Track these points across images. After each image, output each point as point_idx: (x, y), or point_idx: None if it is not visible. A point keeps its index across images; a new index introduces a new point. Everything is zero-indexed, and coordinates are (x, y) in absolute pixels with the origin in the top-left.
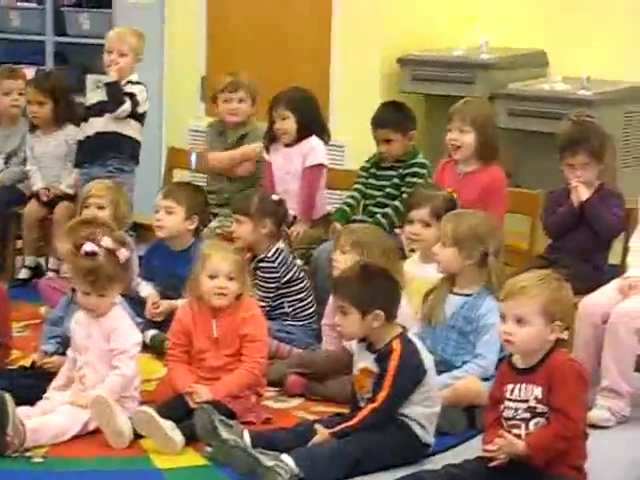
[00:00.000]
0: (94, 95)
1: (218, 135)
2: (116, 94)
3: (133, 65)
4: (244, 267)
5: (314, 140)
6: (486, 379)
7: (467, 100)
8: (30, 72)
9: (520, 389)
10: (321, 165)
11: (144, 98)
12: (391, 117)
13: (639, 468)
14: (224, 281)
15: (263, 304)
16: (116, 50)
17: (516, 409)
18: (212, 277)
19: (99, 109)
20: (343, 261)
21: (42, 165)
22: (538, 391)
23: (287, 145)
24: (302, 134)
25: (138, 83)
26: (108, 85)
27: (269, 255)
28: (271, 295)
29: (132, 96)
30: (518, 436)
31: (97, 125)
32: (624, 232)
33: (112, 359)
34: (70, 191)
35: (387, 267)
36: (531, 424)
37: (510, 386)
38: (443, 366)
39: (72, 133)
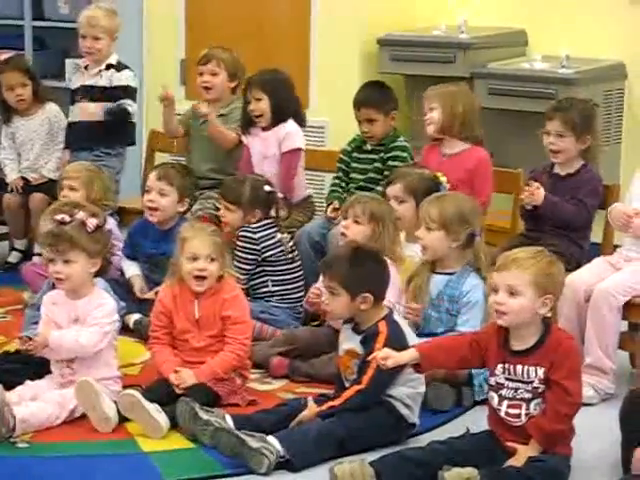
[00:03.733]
0: (77, 78)
1: (194, 114)
2: (120, 112)
3: (110, 46)
4: (223, 248)
5: (290, 124)
6: None
7: (434, 86)
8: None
9: (523, 370)
10: (298, 149)
11: (137, 83)
12: (373, 97)
13: None
14: (204, 263)
15: (240, 277)
16: (89, 36)
17: (516, 389)
18: (192, 259)
19: (89, 95)
20: (356, 232)
21: (24, 149)
22: (541, 372)
23: (264, 129)
24: (278, 117)
25: (124, 67)
26: (109, 113)
27: (252, 226)
28: (248, 267)
29: (126, 89)
30: (517, 416)
31: (90, 111)
32: (605, 211)
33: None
34: (52, 175)
35: (394, 240)
36: (532, 404)
37: (506, 365)
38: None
39: (54, 111)
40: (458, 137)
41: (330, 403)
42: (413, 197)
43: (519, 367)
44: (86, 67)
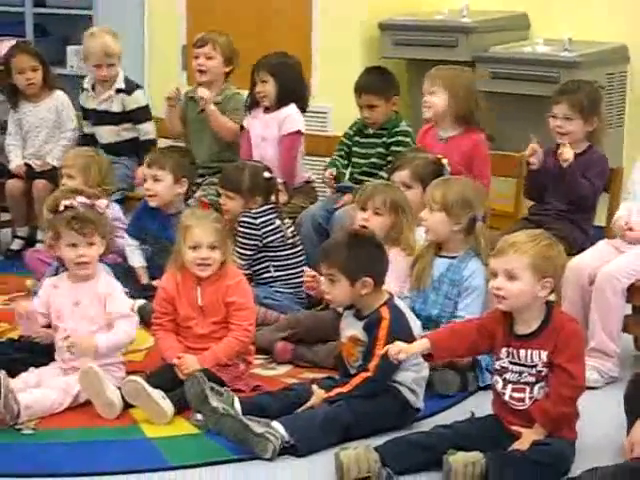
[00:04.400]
0: (86, 99)
1: (189, 100)
2: (149, 145)
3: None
4: (225, 234)
5: (291, 107)
6: None
7: (440, 66)
8: (9, 44)
9: (527, 354)
10: (298, 132)
11: (147, 99)
12: (374, 83)
13: None
14: (207, 251)
15: (241, 262)
16: (105, 64)
17: (520, 373)
18: (195, 248)
19: (104, 120)
20: (377, 224)
21: (30, 135)
22: (545, 355)
23: (266, 110)
24: (282, 100)
25: (133, 88)
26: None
27: (252, 212)
28: (249, 253)
29: (142, 110)
30: (521, 400)
31: (108, 134)
32: (608, 194)
33: (110, 322)
34: (57, 163)
35: (411, 228)
36: (536, 388)
37: (510, 349)
38: (433, 325)
39: (62, 99)
40: (455, 122)
41: (338, 390)
42: (420, 183)
43: (522, 351)
44: (93, 87)
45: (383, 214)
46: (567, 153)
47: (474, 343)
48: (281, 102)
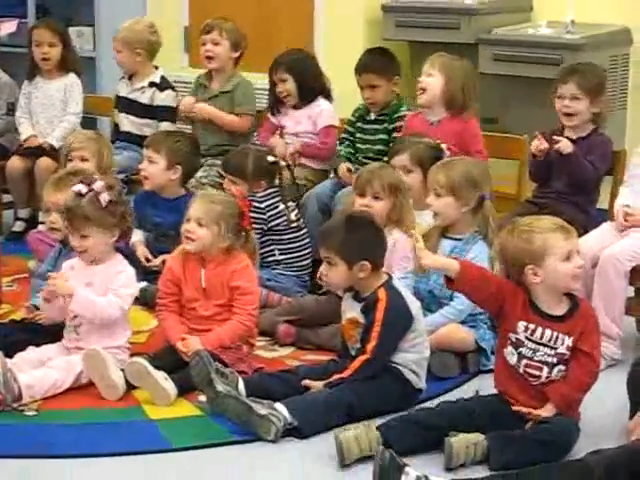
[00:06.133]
0: (121, 87)
1: (199, 87)
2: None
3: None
4: (222, 218)
5: (323, 102)
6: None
7: (442, 53)
8: (12, 25)
9: (552, 335)
10: (332, 126)
11: (176, 102)
12: (375, 62)
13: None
14: (193, 225)
15: None
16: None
17: (535, 350)
18: (187, 220)
19: (130, 109)
20: (378, 208)
21: (36, 112)
22: (570, 340)
23: (295, 107)
24: (304, 96)
25: (166, 87)
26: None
27: (258, 196)
28: (256, 236)
29: (167, 110)
30: (537, 377)
31: (130, 124)
32: (612, 177)
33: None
34: (56, 144)
35: (409, 208)
36: (555, 369)
37: (530, 325)
38: (437, 306)
39: (72, 81)
40: (446, 107)
41: (338, 376)
42: (419, 166)
43: (548, 331)
44: (130, 77)
45: (383, 198)
46: (565, 146)
47: (491, 295)
48: (305, 97)
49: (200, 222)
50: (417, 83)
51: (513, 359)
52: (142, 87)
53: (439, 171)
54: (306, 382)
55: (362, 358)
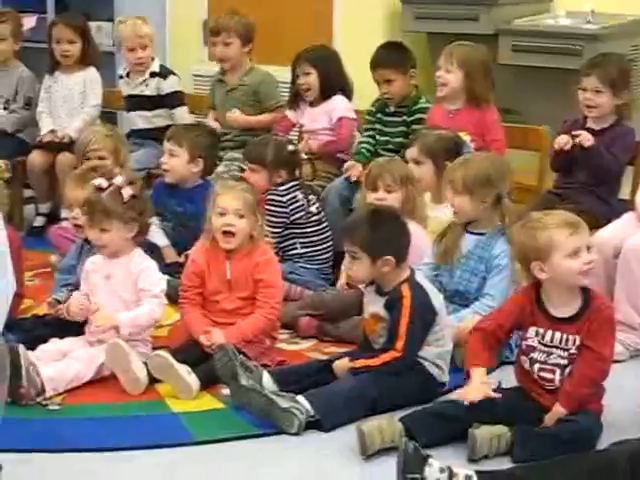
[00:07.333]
0: (122, 86)
1: (217, 82)
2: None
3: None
4: (255, 206)
5: (338, 97)
6: None
7: (459, 42)
8: (31, 20)
9: (562, 338)
10: (345, 118)
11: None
12: (388, 57)
13: None
14: (233, 218)
15: (272, 240)
16: (138, 46)
17: (549, 354)
18: (222, 214)
19: (138, 105)
20: (391, 201)
21: (56, 106)
22: (579, 339)
23: (312, 104)
24: (325, 92)
25: (168, 73)
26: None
27: (280, 189)
28: (278, 230)
29: (177, 95)
30: (551, 380)
31: (141, 120)
32: (634, 167)
33: (140, 298)
34: (74, 136)
35: (421, 198)
36: (567, 370)
37: (540, 329)
38: (460, 299)
39: (91, 74)
40: (467, 99)
41: (364, 362)
42: (430, 158)
43: (558, 334)
44: (127, 75)
45: (395, 190)
46: (584, 140)
47: (512, 330)
48: (325, 94)
49: (239, 213)
50: (436, 78)
51: (526, 365)
52: (144, 80)
53: (455, 169)
54: (337, 362)
55: (392, 354)
